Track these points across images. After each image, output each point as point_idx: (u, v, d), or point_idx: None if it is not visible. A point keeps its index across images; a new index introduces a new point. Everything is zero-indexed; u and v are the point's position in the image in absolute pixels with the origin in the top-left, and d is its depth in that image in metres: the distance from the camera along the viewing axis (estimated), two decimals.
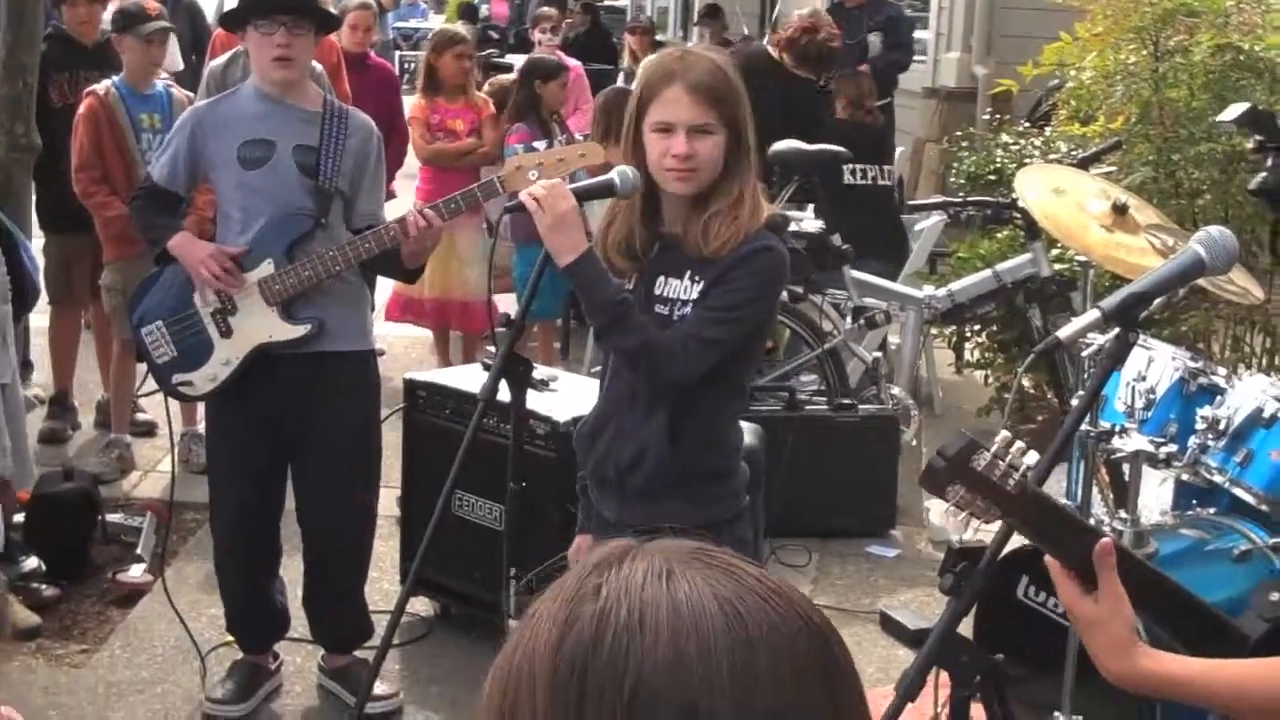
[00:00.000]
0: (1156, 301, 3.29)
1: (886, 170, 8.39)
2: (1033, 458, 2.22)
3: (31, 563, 5.81)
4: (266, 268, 4.78)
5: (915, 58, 13.92)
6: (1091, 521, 3.83)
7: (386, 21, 19.69)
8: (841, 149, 7.63)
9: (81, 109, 6.78)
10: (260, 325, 4.82)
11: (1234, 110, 5.21)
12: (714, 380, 3.50)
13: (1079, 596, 2.21)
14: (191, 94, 6.95)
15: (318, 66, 6.70)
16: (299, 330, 4.81)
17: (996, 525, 2.45)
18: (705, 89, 3.41)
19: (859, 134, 8.50)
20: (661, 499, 3.49)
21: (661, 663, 1.12)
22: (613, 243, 3.58)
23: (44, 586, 5.77)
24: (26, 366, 7.51)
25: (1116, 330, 2.91)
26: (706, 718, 1.11)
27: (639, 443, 3.53)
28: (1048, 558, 2.24)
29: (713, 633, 1.13)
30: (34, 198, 7.32)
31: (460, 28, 12.02)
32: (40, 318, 7.23)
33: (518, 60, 12.68)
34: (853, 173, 8.18)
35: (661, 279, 3.52)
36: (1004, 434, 2.23)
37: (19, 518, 5.93)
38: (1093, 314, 2.87)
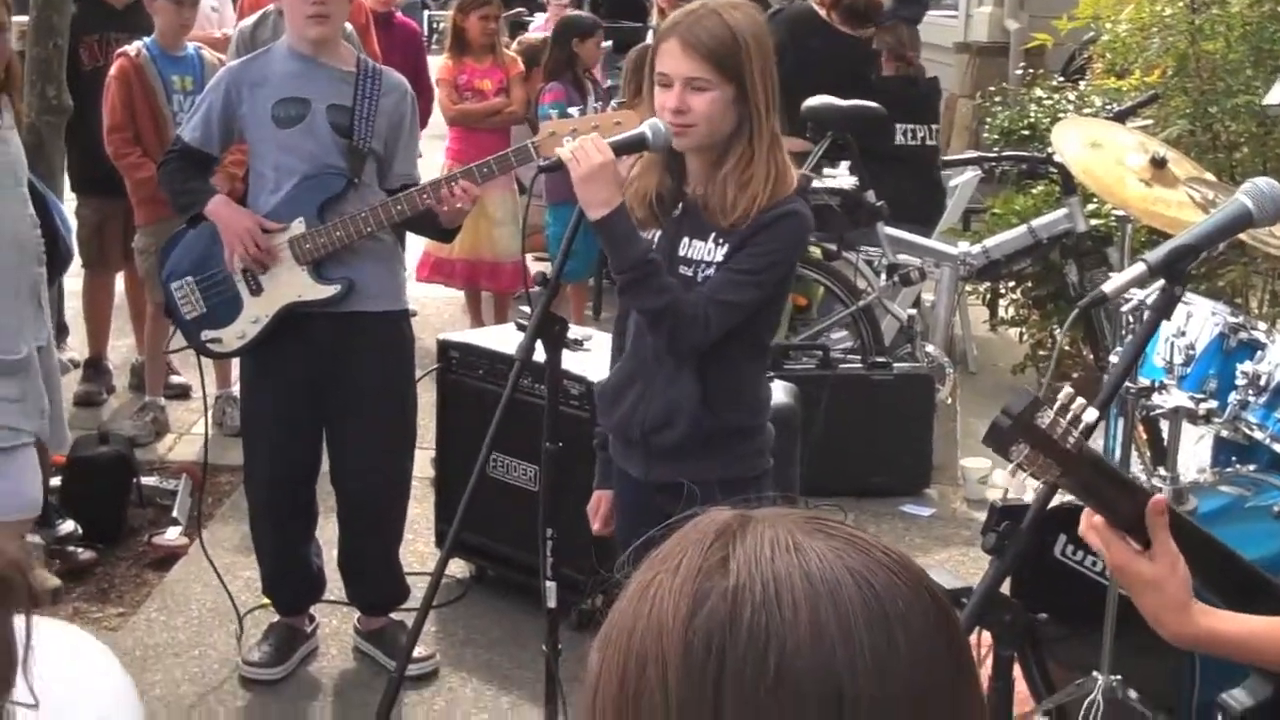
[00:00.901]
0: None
1: (934, 129, 8.31)
2: (1092, 414, 2.17)
3: (68, 526, 5.83)
4: (298, 226, 4.76)
5: (948, 13, 13.81)
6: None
7: None
8: (876, 105, 7.53)
9: (113, 70, 6.78)
10: (290, 284, 4.81)
11: None
12: (734, 338, 3.49)
13: (1134, 557, 2.17)
14: (222, 56, 6.93)
15: (349, 26, 6.66)
16: (329, 290, 4.80)
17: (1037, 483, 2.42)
18: (699, 43, 3.38)
19: (906, 88, 8.33)
20: (689, 457, 3.51)
21: (803, 639, 1.08)
22: (636, 193, 3.57)
23: (80, 550, 5.79)
24: (62, 330, 7.52)
25: (1161, 284, 2.86)
26: (850, 693, 1.08)
27: (667, 402, 3.53)
28: (1096, 518, 2.20)
29: (850, 608, 1.10)
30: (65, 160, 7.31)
31: None
32: (74, 281, 7.23)
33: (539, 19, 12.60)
34: (905, 133, 8.09)
35: (686, 240, 3.51)
36: (1068, 389, 2.19)
37: (55, 481, 5.95)
38: (1138, 267, 2.82)
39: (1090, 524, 2.21)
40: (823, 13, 8.17)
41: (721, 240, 3.44)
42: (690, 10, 3.51)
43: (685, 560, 1.14)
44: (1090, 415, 2.17)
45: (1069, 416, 2.14)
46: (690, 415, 3.50)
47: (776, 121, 3.48)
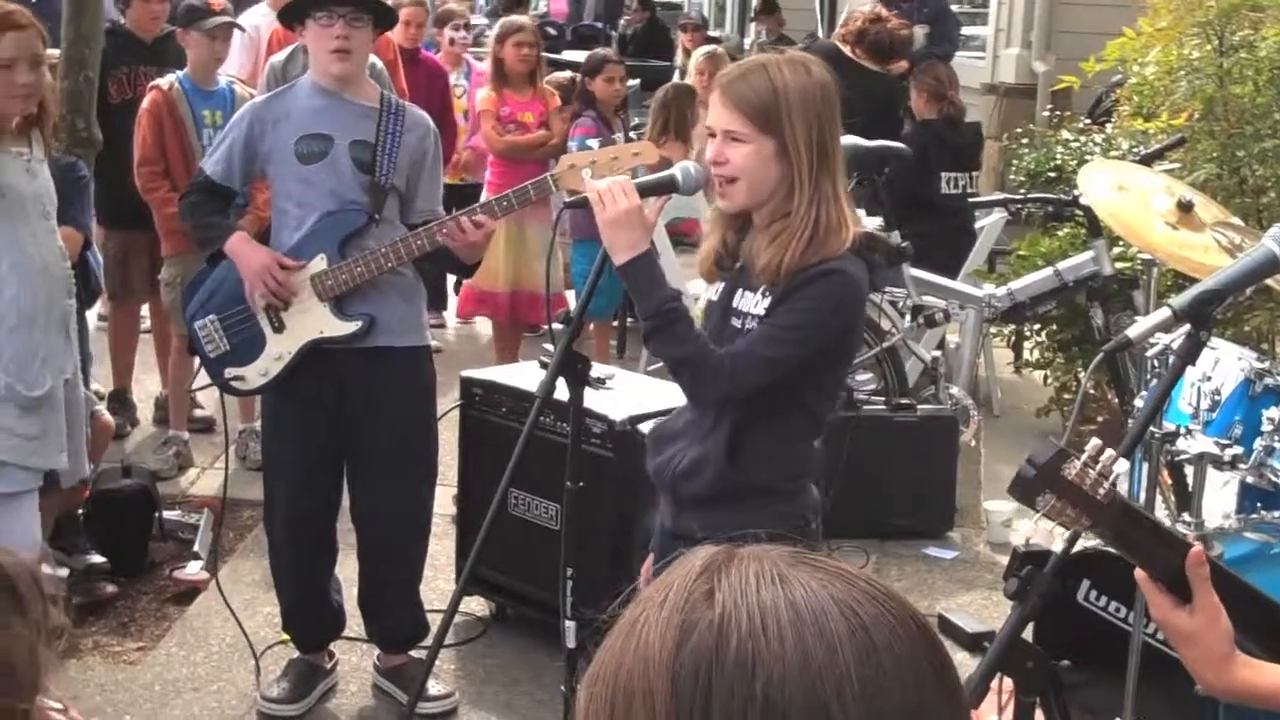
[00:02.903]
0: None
1: (974, 177, 8.23)
2: (1123, 465, 2.15)
3: (95, 559, 5.81)
4: (319, 263, 4.77)
5: (975, 54, 13.82)
6: None
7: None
8: (902, 145, 7.51)
9: (145, 103, 6.79)
10: (312, 321, 4.81)
11: None
12: (783, 404, 3.44)
13: (1173, 609, 2.14)
14: (254, 90, 6.95)
15: (378, 63, 6.68)
16: (350, 326, 4.80)
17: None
18: (738, 96, 3.37)
19: (948, 131, 8.29)
20: (712, 509, 3.41)
21: (790, 667, 1.09)
22: (705, 251, 3.59)
23: (102, 583, 5.77)
24: (86, 357, 7.52)
25: (1187, 329, 2.84)
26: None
27: (699, 453, 3.47)
28: (1137, 570, 2.17)
29: (837, 636, 1.11)
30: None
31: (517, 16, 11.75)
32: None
33: (571, 56, 12.59)
34: (949, 182, 8.06)
35: (740, 292, 3.50)
36: (1095, 441, 2.17)
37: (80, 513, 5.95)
38: (1163, 312, 2.80)
39: (1137, 574, 2.18)
40: (847, 50, 8.15)
41: (766, 294, 3.42)
42: (741, 64, 3.54)
43: (671, 595, 1.16)
44: (1121, 466, 2.14)
45: (1098, 467, 2.12)
46: (715, 469, 3.43)
47: (831, 180, 3.39)
